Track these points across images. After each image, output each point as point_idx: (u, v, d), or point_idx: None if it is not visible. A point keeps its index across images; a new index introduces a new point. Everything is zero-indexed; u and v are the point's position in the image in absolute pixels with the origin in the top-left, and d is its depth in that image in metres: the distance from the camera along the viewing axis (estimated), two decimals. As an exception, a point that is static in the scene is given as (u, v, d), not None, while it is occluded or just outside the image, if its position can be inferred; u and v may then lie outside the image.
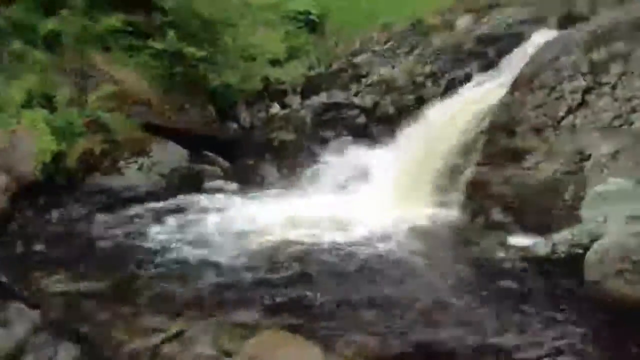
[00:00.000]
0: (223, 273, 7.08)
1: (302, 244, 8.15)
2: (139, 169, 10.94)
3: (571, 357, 5.21)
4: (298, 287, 6.66)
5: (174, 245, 8.07)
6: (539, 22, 11.48)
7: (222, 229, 8.75)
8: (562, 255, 6.77)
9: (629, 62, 8.07)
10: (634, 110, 7.71)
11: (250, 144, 13.18)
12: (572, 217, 7.41)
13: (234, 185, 11.78)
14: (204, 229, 8.81)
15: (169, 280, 6.86)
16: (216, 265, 7.31)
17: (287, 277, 6.95)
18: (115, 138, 10.87)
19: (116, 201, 10.17)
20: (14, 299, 6.21)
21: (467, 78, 11.60)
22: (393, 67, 13.26)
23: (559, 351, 5.29)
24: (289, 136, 13.09)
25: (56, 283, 6.86)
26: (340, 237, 8.44)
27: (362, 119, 12.94)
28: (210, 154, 12.58)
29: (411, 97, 12.35)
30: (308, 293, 6.48)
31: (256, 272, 7.09)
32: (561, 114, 8.40)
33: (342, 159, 11.58)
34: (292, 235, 8.49)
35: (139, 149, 11.09)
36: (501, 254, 7.57)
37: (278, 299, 6.32)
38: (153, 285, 6.74)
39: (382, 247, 8.04)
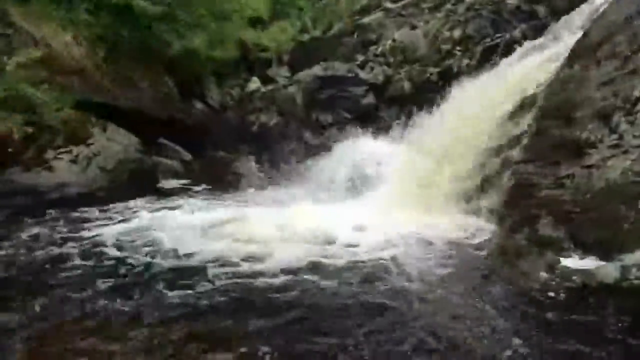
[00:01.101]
0: (188, 306, 6.88)
1: (290, 267, 7.94)
2: (74, 161, 10.85)
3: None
4: (284, 320, 6.48)
5: (113, 268, 7.85)
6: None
7: (181, 250, 8.53)
8: (637, 283, 6.58)
9: None
10: None
11: (221, 131, 13.09)
12: (649, 232, 7.23)
13: (199, 185, 11.75)
14: (156, 247, 8.60)
15: (119, 311, 6.69)
16: (179, 297, 7.11)
17: (271, 309, 6.77)
18: (43, 120, 10.71)
19: (41, 205, 10.00)
20: None
21: (510, 46, 11.49)
22: (413, 29, 13.14)
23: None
24: (273, 120, 13.10)
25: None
26: (341, 256, 8.27)
27: (369, 99, 12.94)
28: (168, 142, 12.58)
29: (435, 70, 12.29)
30: (296, 329, 6.33)
31: (231, 305, 6.89)
32: (637, 93, 8.25)
33: (344, 152, 11.55)
34: (277, 256, 8.27)
35: (73, 135, 10.96)
36: (551, 280, 7.37)
37: (260, 337, 6.17)
38: (94, 318, 6.57)
39: (394, 269, 7.86)
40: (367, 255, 8.22)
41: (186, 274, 7.62)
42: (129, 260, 8.12)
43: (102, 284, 7.34)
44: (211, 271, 7.70)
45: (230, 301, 6.96)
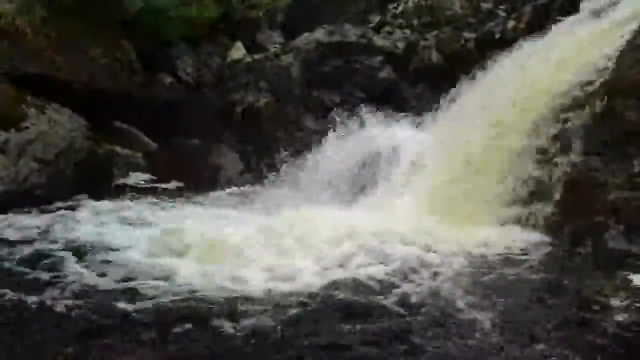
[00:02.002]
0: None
1: (283, 294, 7.85)
2: (2, 151, 10.75)
3: None
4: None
5: (50, 291, 7.78)
6: None
7: (139, 265, 8.46)
8: None
9: None
10: None
11: (195, 112, 13.07)
12: None
13: (165, 183, 11.73)
14: (107, 267, 8.51)
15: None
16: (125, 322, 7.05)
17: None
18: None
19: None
20: None
21: (570, 5, 11.40)
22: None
23: None
24: (262, 100, 13.09)
25: None
26: (349, 275, 8.17)
27: (387, 73, 12.96)
28: (127, 127, 12.57)
29: (472, 36, 12.24)
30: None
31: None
32: None
33: (354, 142, 11.54)
34: (267, 276, 8.19)
35: (2, 116, 10.89)
36: (623, 306, 7.31)
37: None
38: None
39: (421, 293, 7.77)
40: (373, 279, 8.08)
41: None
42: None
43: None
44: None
45: None
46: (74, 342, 6.48)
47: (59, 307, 7.20)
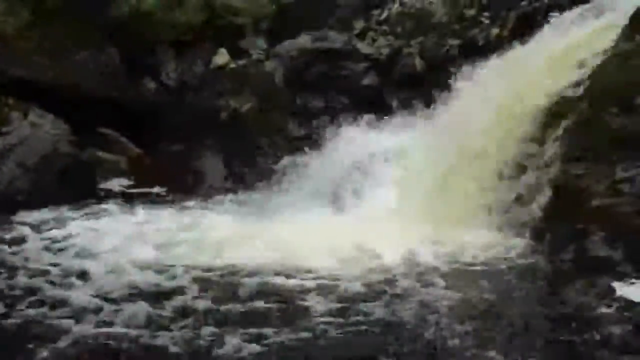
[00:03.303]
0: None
1: (265, 303, 7.86)
2: (-17, 156, 10.76)
3: None
4: None
5: (34, 297, 7.77)
6: None
7: (122, 270, 8.45)
8: None
9: None
10: None
11: (179, 118, 13.10)
12: None
13: (149, 188, 11.74)
14: (91, 270, 8.49)
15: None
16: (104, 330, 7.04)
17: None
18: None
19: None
20: None
21: (552, 12, 11.48)
22: (427, -10, 13.23)
23: None
24: (246, 105, 13.12)
25: None
26: (331, 279, 8.19)
27: (371, 79, 13.00)
28: (111, 132, 12.58)
29: (456, 42, 12.29)
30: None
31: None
32: None
33: (337, 148, 11.60)
34: (247, 287, 8.19)
35: (-16, 120, 10.93)
36: (604, 314, 7.34)
37: None
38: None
39: (402, 295, 7.81)
40: (356, 283, 8.10)
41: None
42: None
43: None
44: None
45: None
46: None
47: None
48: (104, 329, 6.84)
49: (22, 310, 7.50)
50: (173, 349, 6.50)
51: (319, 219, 9.87)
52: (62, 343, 6.67)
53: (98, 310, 7.28)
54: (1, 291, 7.99)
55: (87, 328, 6.87)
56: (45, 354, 6.38)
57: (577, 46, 10.18)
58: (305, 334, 6.93)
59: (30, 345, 6.57)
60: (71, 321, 7.02)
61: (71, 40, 12.01)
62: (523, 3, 11.80)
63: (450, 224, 9.56)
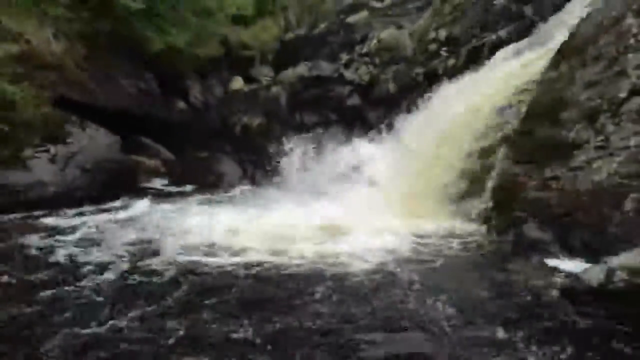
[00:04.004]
0: (164, 309, 6.81)
1: (273, 269, 7.90)
2: (52, 160, 10.74)
3: None
4: (270, 325, 6.45)
5: (94, 270, 7.77)
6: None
7: (161, 249, 8.48)
8: (621, 285, 6.57)
9: None
10: None
11: (203, 130, 13.09)
12: (635, 234, 7.24)
13: (180, 186, 11.74)
14: (136, 249, 8.52)
15: (75, 323, 6.60)
16: (153, 300, 7.05)
17: (251, 318, 6.72)
18: (20, 117, 10.67)
19: (17, 205, 9.98)
20: None
21: (497, 46, 11.52)
22: (399, 29, 13.15)
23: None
24: (256, 121, 13.09)
25: None
26: (323, 260, 8.22)
27: (355, 100, 12.94)
28: (149, 141, 12.56)
29: (421, 71, 12.24)
30: (279, 335, 6.29)
31: (203, 315, 6.84)
32: (622, 95, 8.27)
33: (328, 154, 11.50)
34: (259, 259, 8.23)
35: (52, 133, 10.89)
36: (538, 283, 7.36)
37: (240, 347, 6.13)
38: (62, 324, 6.49)
39: (378, 271, 7.83)
40: (352, 261, 8.15)
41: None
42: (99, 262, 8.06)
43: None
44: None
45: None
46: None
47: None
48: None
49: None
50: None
51: (311, 209, 9.87)
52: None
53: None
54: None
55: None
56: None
57: (514, 73, 10.21)
58: (293, 293, 7.06)
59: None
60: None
61: (118, 70, 12.03)
62: (473, 40, 11.79)
63: (415, 214, 9.62)
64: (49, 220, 9.46)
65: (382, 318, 6.68)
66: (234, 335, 6.18)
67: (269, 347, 5.99)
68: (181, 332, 6.20)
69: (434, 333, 6.39)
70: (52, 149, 10.71)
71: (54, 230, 9.13)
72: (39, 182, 10.40)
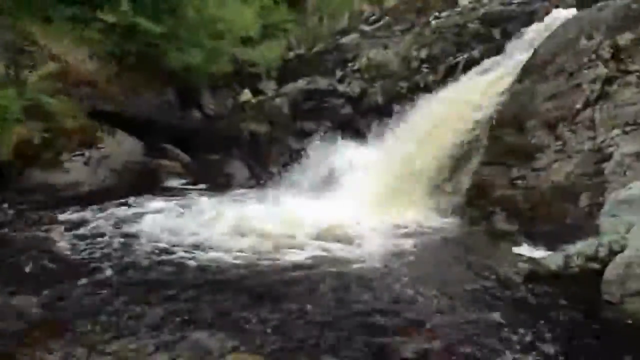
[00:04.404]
0: (179, 289, 6.90)
1: (276, 256, 8.02)
2: (86, 163, 10.85)
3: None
4: (267, 305, 6.53)
5: (121, 257, 7.87)
6: (554, -1, 11.57)
7: (180, 239, 8.58)
8: (577, 270, 6.67)
9: (660, 49, 8.10)
10: (663, 105, 7.71)
11: (215, 136, 13.06)
12: (589, 226, 7.34)
13: (196, 185, 11.77)
14: (159, 238, 8.62)
15: (116, 297, 6.67)
16: (171, 281, 7.14)
17: (255, 295, 6.81)
18: (59, 126, 10.79)
19: (57, 201, 10.03)
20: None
21: (470, 64, 11.61)
22: (385, 49, 13.17)
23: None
24: (261, 128, 13.03)
25: (-19, 296, 6.66)
26: (319, 247, 8.35)
27: (347, 110, 12.91)
28: (169, 146, 12.56)
29: (404, 84, 12.31)
30: (279, 313, 6.36)
31: (218, 290, 6.93)
32: (578, 106, 8.39)
33: (324, 156, 11.50)
34: (263, 246, 8.35)
35: (86, 139, 10.98)
36: (505, 268, 7.48)
37: (244, 320, 6.19)
38: (96, 302, 6.56)
39: (366, 257, 7.94)
40: (336, 250, 8.27)
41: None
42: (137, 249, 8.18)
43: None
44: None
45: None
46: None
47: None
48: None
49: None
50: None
51: (309, 204, 9.91)
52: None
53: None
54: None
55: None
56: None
57: (485, 87, 10.24)
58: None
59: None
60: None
61: (143, 85, 12.07)
62: (450, 58, 11.88)
63: (400, 209, 9.67)
64: (85, 214, 9.55)
65: (366, 299, 6.77)
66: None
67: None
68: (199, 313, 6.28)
69: (415, 309, 6.49)
70: (87, 153, 10.82)
71: (88, 222, 9.23)
72: (76, 181, 10.52)
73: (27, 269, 7.47)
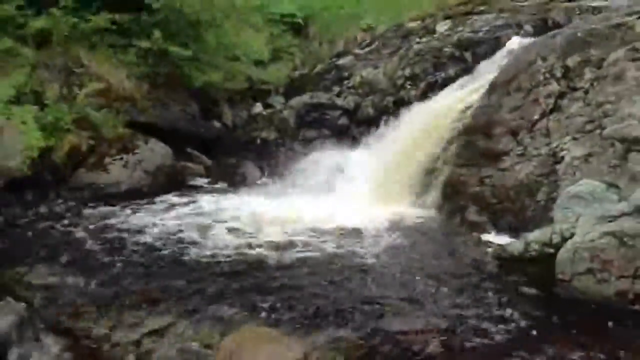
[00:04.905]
0: (205, 270, 7.05)
1: (283, 242, 8.14)
2: (124, 165, 10.90)
3: (539, 353, 5.25)
4: (278, 284, 6.65)
5: (156, 242, 8.02)
6: (515, 28, 11.60)
7: (203, 227, 8.71)
8: (535, 254, 6.77)
9: (602, 68, 8.18)
10: (605, 115, 7.79)
11: (233, 143, 13.12)
12: (545, 217, 7.48)
13: (216, 184, 11.84)
14: (186, 226, 8.76)
15: (151, 277, 6.82)
16: (198, 263, 7.29)
17: (267, 275, 6.93)
18: (102, 135, 10.93)
19: (101, 197, 10.17)
20: (0, 292, 6.18)
21: (446, 81, 11.68)
22: (375, 68, 13.22)
23: (526, 347, 5.33)
24: (271, 135, 13.06)
25: (41, 277, 6.81)
26: (320, 235, 8.46)
27: (344, 120, 12.92)
28: (193, 151, 12.60)
29: (391, 99, 12.36)
30: (287, 290, 6.47)
31: (237, 270, 7.07)
32: (536, 117, 8.49)
33: (324, 159, 11.51)
34: (273, 233, 8.49)
35: (124, 146, 11.08)
36: (476, 253, 7.61)
37: (258, 296, 6.31)
38: (135, 281, 6.70)
39: (360, 244, 8.06)
40: (334, 238, 8.36)
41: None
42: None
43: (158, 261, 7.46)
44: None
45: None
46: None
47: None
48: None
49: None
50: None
51: (312, 200, 9.97)
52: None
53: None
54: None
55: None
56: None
57: (459, 100, 10.31)
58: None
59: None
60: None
61: (171, 100, 12.17)
62: (429, 77, 11.94)
63: (388, 204, 9.73)
64: (124, 208, 9.70)
65: (362, 281, 6.88)
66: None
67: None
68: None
69: (399, 287, 6.61)
70: (125, 158, 10.89)
71: (127, 215, 9.37)
72: (116, 181, 10.59)
73: (80, 254, 7.62)
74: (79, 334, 5.69)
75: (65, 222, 8.88)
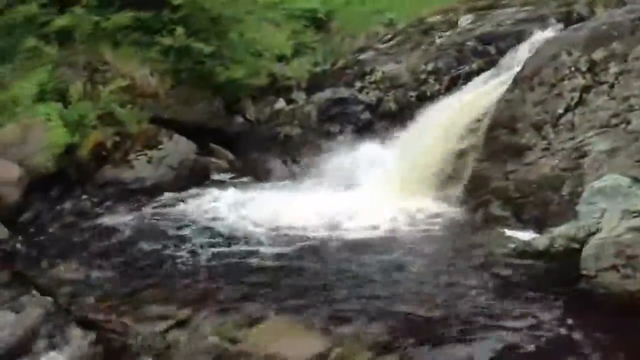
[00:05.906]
0: (228, 263, 7.12)
1: (307, 236, 8.19)
2: (149, 161, 10.96)
3: (564, 349, 5.23)
4: (301, 278, 6.70)
5: (181, 236, 8.11)
6: (539, 21, 11.46)
7: (227, 221, 8.79)
8: (560, 249, 6.70)
9: (627, 62, 8.11)
10: (631, 109, 7.73)
11: (256, 138, 13.13)
12: (570, 212, 7.40)
13: (240, 178, 11.89)
14: (210, 220, 8.84)
15: (176, 270, 6.90)
16: (222, 256, 7.37)
17: (290, 268, 6.98)
18: (127, 131, 11.01)
19: (126, 193, 10.29)
20: (27, 286, 6.29)
21: (469, 76, 11.58)
22: (397, 63, 13.14)
23: (551, 342, 5.31)
24: (294, 131, 13.04)
25: (67, 271, 6.95)
26: (343, 229, 8.50)
27: (366, 115, 12.83)
28: (217, 147, 12.64)
29: (414, 93, 12.27)
30: (311, 284, 6.51)
31: (260, 263, 7.12)
32: (560, 111, 8.42)
33: (347, 154, 11.44)
34: (297, 227, 8.54)
35: (148, 142, 11.14)
36: (499, 247, 7.57)
37: (282, 290, 6.35)
38: (160, 275, 6.78)
39: (383, 238, 8.09)
40: (357, 232, 8.37)
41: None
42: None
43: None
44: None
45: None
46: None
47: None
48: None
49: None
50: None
51: (335, 194, 10.03)
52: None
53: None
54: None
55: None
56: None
57: (483, 95, 10.28)
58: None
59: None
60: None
61: (194, 96, 12.20)
62: (452, 71, 11.84)
63: (411, 198, 9.71)
64: (149, 202, 9.82)
65: (375, 270, 6.88)
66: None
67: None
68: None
69: (420, 279, 6.60)
70: (149, 153, 10.95)
71: (152, 209, 9.52)
72: (141, 177, 10.66)
73: (105, 249, 7.72)
74: (105, 327, 5.78)
75: (91, 217, 9.02)
